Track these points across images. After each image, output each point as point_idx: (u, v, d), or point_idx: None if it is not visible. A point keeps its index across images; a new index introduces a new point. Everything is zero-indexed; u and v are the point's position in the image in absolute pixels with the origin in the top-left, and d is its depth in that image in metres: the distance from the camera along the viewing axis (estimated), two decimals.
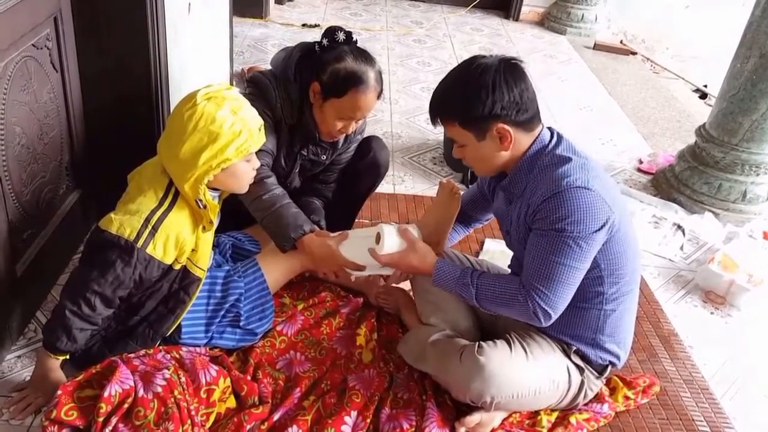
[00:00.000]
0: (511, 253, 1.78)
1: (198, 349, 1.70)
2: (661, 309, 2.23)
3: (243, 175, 1.62)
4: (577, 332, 1.62)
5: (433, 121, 1.59)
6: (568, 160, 1.49)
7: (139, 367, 1.56)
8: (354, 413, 1.61)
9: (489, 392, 1.51)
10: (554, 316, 1.49)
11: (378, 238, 1.66)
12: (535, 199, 1.47)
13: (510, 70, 1.47)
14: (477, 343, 1.58)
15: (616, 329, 1.63)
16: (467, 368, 1.54)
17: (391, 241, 1.64)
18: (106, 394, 1.45)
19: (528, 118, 1.50)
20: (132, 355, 1.61)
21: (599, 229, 1.44)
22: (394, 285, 2.02)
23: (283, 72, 1.88)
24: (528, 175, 1.54)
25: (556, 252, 1.44)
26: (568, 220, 1.42)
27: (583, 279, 1.53)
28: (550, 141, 1.54)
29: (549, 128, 1.58)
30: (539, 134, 1.54)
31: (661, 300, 2.29)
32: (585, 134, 3.56)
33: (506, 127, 1.48)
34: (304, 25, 4.77)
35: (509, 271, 1.82)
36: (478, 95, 1.45)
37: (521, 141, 1.52)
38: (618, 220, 1.47)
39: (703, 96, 4.78)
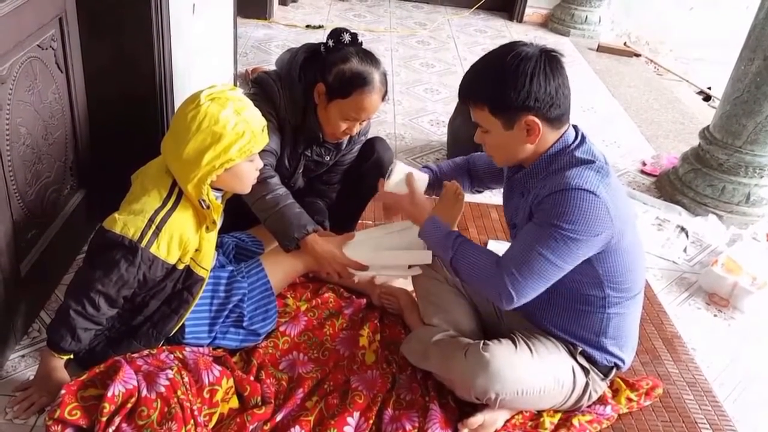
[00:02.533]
0: None
1: (201, 350, 1.71)
2: (664, 311, 2.23)
3: (246, 175, 1.62)
4: (580, 334, 1.62)
5: (462, 101, 1.56)
6: (587, 162, 1.47)
7: (142, 366, 1.56)
8: (357, 414, 1.61)
9: (494, 388, 1.51)
10: (517, 303, 1.47)
11: (390, 173, 1.75)
12: (544, 192, 1.46)
13: (550, 62, 1.43)
14: (482, 341, 1.58)
15: (619, 332, 1.63)
16: (472, 364, 1.53)
17: (397, 181, 1.74)
18: (109, 393, 1.46)
19: (559, 115, 1.47)
20: (135, 355, 1.61)
21: (593, 236, 1.42)
22: (396, 286, 2.03)
23: (288, 73, 1.88)
24: (544, 172, 1.52)
25: (541, 243, 1.43)
26: (565, 218, 1.40)
27: (581, 281, 1.53)
28: (573, 141, 1.52)
29: (575, 127, 1.55)
30: (564, 133, 1.52)
31: (664, 302, 2.28)
32: (588, 136, 3.54)
33: (536, 120, 1.45)
34: (307, 26, 4.77)
35: None
36: (514, 83, 1.42)
37: (547, 137, 1.49)
38: (618, 233, 1.45)
39: (707, 98, 4.78)
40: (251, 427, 1.54)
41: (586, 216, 1.40)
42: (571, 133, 1.53)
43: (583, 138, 1.53)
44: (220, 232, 1.79)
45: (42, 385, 1.56)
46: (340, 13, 5.26)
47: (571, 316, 1.60)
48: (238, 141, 1.51)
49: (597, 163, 1.48)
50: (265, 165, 1.72)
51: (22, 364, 1.69)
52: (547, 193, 1.45)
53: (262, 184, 1.76)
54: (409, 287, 1.97)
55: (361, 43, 1.86)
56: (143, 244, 1.49)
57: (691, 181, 2.88)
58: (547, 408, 1.68)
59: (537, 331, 1.63)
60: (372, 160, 2.12)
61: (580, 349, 1.62)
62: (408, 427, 1.61)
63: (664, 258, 2.54)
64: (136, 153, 1.72)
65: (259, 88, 1.91)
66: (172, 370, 1.55)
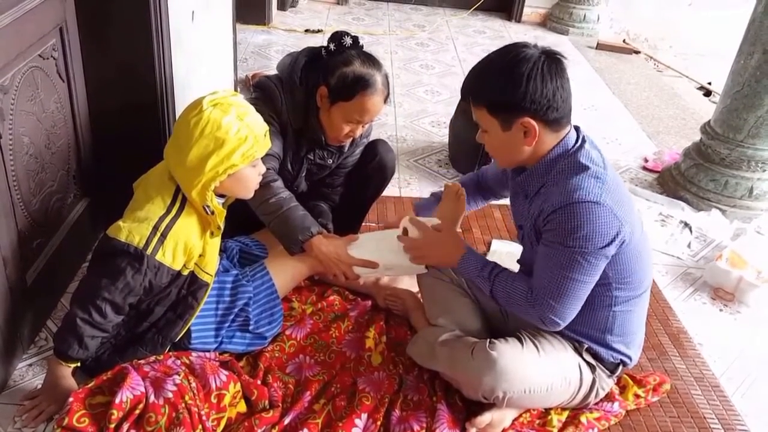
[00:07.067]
0: (518, 254, 1.78)
1: (208, 354, 1.71)
2: (669, 307, 2.23)
3: (249, 180, 1.63)
4: (585, 332, 1.61)
5: (464, 98, 1.57)
6: (584, 168, 1.46)
7: (149, 373, 1.57)
8: (364, 416, 1.61)
9: (501, 387, 1.51)
10: (562, 325, 1.52)
11: (405, 231, 1.72)
12: (547, 207, 1.46)
13: (549, 65, 1.42)
14: (488, 339, 1.58)
15: (625, 330, 1.62)
16: (479, 363, 1.54)
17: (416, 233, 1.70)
18: (117, 400, 1.46)
19: (557, 118, 1.46)
20: (142, 362, 1.61)
21: (608, 244, 1.43)
22: (402, 287, 2.03)
23: (289, 76, 1.89)
24: (544, 176, 1.51)
25: (565, 267, 1.45)
26: (577, 234, 1.41)
27: None
28: (574, 145, 1.51)
29: (576, 129, 1.54)
30: (565, 136, 1.51)
31: (669, 298, 2.28)
32: (590, 134, 3.52)
33: (533, 122, 1.44)
34: (307, 30, 4.78)
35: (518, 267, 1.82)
36: (511, 84, 1.42)
37: (545, 139, 1.49)
38: (629, 232, 1.45)
39: (708, 93, 4.77)
40: (259, 431, 1.54)
41: (598, 227, 1.40)
42: (572, 136, 1.52)
43: (584, 141, 1.53)
44: (224, 236, 1.79)
45: (50, 393, 1.57)
46: (338, 17, 5.27)
47: (578, 314, 1.60)
48: (241, 146, 1.51)
49: (595, 169, 1.47)
50: (268, 169, 1.73)
51: (29, 373, 1.69)
52: (552, 210, 1.44)
53: (265, 187, 1.76)
54: (415, 288, 1.97)
55: (362, 46, 1.87)
56: (149, 251, 1.50)
57: (694, 176, 2.88)
58: (554, 406, 1.68)
59: (542, 330, 1.63)
60: (374, 162, 2.12)
61: (585, 346, 1.62)
62: (416, 427, 1.61)
63: (668, 254, 2.54)
64: (139, 160, 1.72)
65: (261, 92, 1.91)
66: (179, 375, 1.55)
